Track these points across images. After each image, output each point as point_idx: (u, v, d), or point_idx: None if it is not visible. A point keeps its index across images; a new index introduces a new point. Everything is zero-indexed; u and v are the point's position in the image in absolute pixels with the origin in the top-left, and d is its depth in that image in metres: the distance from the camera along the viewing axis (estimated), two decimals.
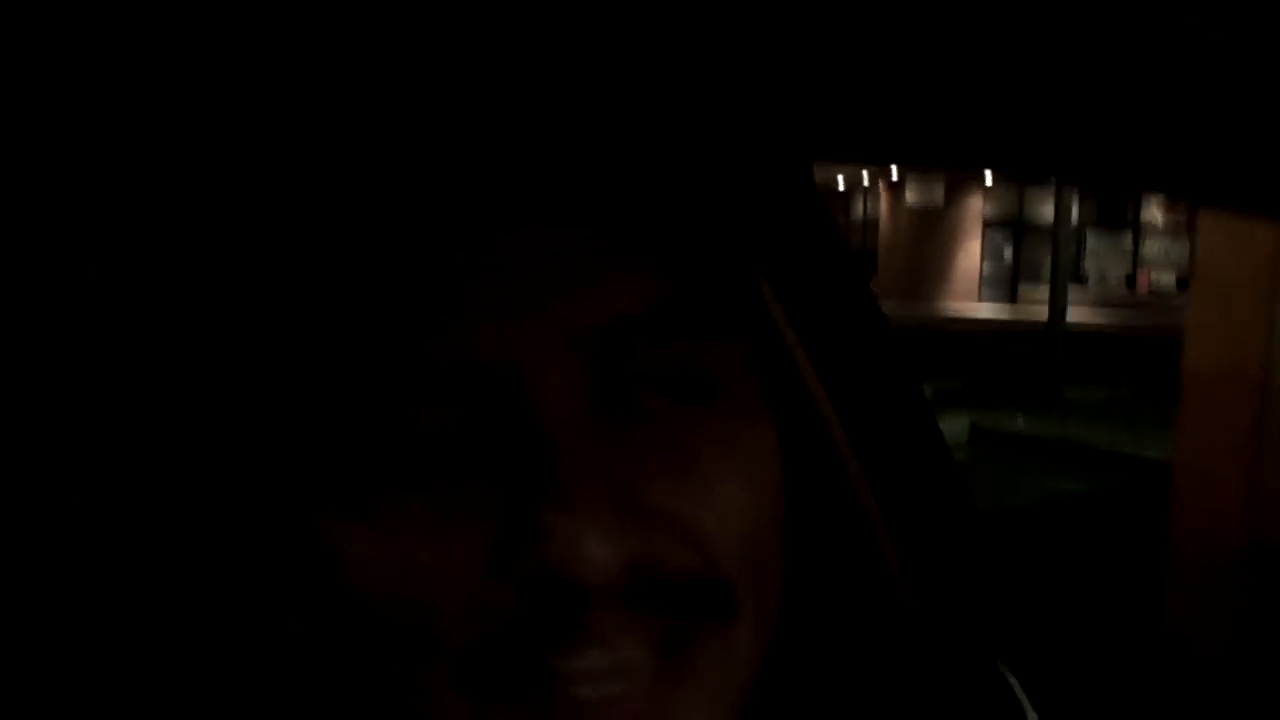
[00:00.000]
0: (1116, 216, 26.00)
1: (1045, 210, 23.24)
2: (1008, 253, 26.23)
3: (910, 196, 25.18)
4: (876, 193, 26.86)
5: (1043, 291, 15.97)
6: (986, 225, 25.92)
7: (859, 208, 28.40)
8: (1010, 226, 25.99)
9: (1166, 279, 24.84)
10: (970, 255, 25.93)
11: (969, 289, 25.78)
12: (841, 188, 27.62)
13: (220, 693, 0.50)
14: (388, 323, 0.38)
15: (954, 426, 8.31)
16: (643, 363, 0.40)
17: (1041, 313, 13.45)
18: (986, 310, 23.36)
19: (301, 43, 0.36)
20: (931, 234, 25.46)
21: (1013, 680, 0.58)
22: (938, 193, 25.03)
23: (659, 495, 0.39)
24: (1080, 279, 24.59)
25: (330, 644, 0.41)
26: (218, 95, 0.39)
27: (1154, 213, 25.29)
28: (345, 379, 0.39)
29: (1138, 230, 25.66)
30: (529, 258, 0.38)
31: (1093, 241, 25.96)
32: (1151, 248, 25.43)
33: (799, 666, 0.52)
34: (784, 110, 0.45)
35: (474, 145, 0.39)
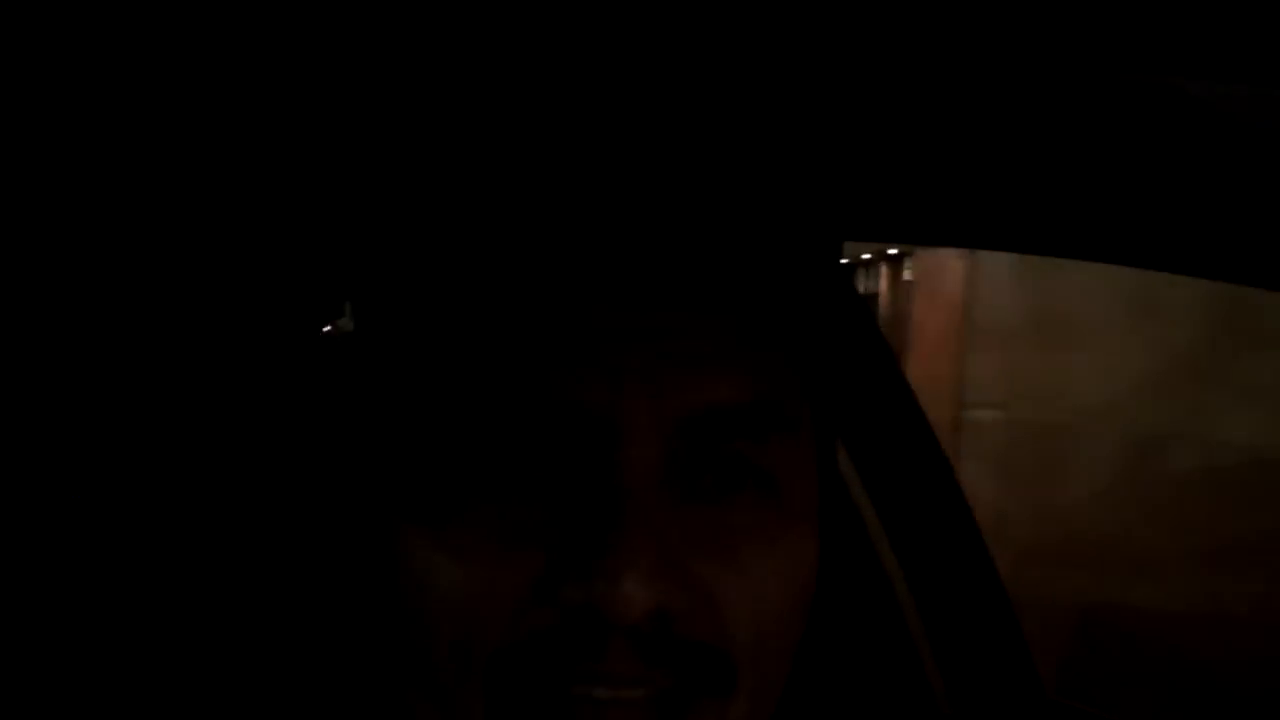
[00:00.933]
0: None
1: None
2: None
3: (908, 273, 25.26)
4: (877, 268, 26.95)
5: None
6: None
7: (860, 283, 28.53)
8: None
9: None
10: None
11: None
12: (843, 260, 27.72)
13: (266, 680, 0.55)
14: (511, 359, 0.43)
15: None
16: (717, 450, 0.44)
17: None
18: None
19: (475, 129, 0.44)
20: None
21: None
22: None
23: (697, 568, 0.43)
24: None
25: (378, 638, 0.46)
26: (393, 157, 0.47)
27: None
28: (457, 400, 0.44)
29: None
30: (651, 332, 0.43)
31: None
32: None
33: None
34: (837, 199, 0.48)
35: (633, 230, 0.44)
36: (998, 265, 3.20)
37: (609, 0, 0.44)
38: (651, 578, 0.40)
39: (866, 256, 4.05)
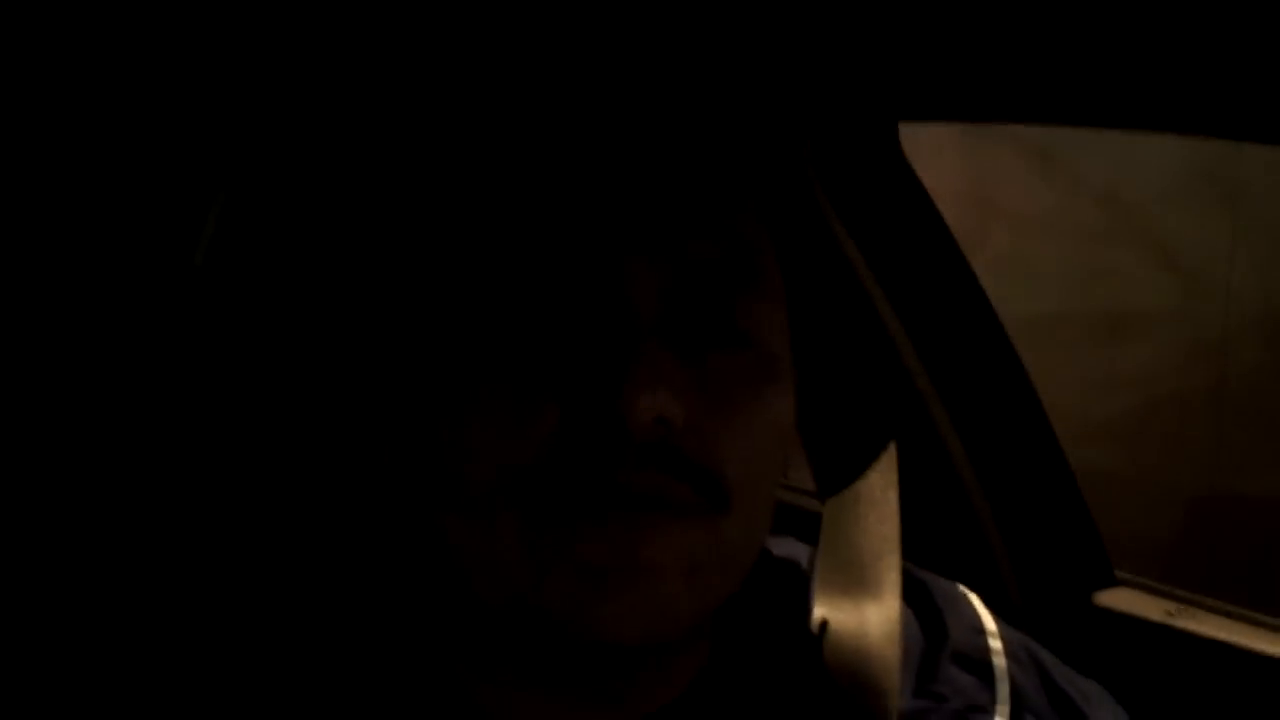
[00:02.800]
0: None
1: None
2: None
3: None
4: None
5: None
6: None
7: None
8: None
9: None
10: None
11: None
12: None
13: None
14: (526, 233, 0.50)
15: None
16: (702, 307, 0.51)
17: None
18: None
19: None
20: None
21: (973, 596, 0.64)
22: None
23: (691, 402, 0.49)
24: None
25: (417, 486, 0.52)
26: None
27: None
28: (485, 275, 0.51)
29: None
30: (645, 201, 0.50)
31: None
32: None
33: None
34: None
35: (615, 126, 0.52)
36: None
37: None
38: (661, 391, 0.47)
39: None
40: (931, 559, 0.82)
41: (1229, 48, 0.54)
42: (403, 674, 0.55)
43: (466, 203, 0.52)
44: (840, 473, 0.68)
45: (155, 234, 0.98)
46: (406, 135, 0.57)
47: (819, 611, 0.60)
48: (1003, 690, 0.59)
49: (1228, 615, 1.01)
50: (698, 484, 0.49)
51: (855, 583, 0.61)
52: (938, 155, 2.51)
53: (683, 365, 0.49)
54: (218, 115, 0.84)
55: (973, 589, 0.67)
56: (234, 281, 0.92)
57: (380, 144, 0.61)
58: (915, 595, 0.62)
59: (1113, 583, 1.09)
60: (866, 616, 0.59)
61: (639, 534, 0.48)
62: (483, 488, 0.49)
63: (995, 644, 0.61)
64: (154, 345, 0.91)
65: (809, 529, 0.67)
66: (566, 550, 0.48)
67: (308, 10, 0.61)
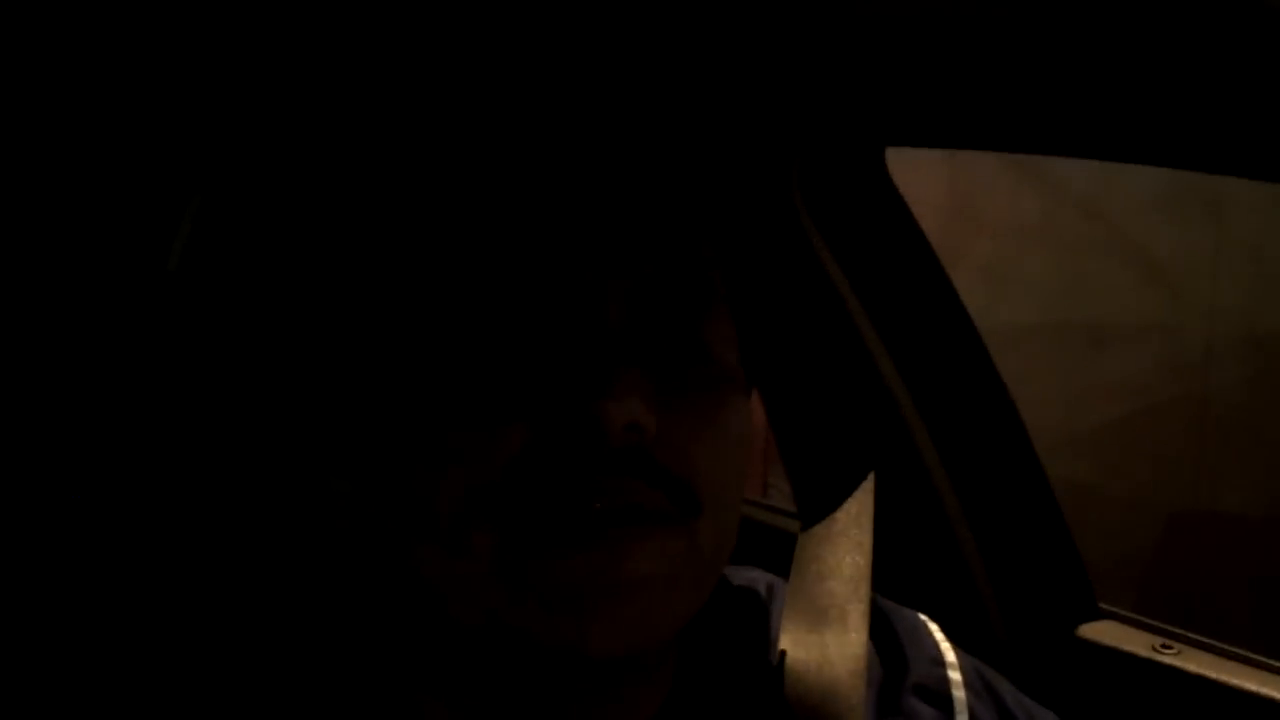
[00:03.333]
0: None
1: None
2: None
3: None
4: None
5: None
6: None
7: None
8: None
9: None
10: None
11: None
12: None
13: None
14: (499, 247, 0.50)
15: None
16: (665, 323, 0.51)
17: None
18: None
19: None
20: None
21: (933, 626, 0.65)
22: None
23: (661, 409, 0.49)
24: None
25: (382, 508, 0.52)
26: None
27: None
28: (457, 286, 0.51)
29: None
30: (615, 221, 0.51)
31: None
32: None
33: None
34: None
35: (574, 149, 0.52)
36: None
37: None
38: (633, 400, 0.47)
39: None
40: (913, 591, 0.80)
41: (1216, 82, 0.53)
42: (364, 702, 0.54)
43: (440, 211, 0.52)
44: (820, 501, 0.67)
45: (128, 238, 0.96)
46: (382, 142, 0.57)
47: (784, 643, 0.60)
48: None
49: (1217, 652, 0.98)
50: (670, 491, 0.49)
51: (822, 615, 0.61)
52: (920, 165, 2.50)
53: (651, 377, 0.49)
54: (194, 114, 0.82)
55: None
56: (208, 288, 0.91)
57: (356, 151, 0.60)
58: (877, 625, 0.62)
59: (1097, 615, 1.07)
60: (831, 650, 0.59)
61: (621, 548, 0.48)
62: (454, 506, 0.48)
63: (955, 675, 0.62)
64: (126, 352, 0.90)
65: (778, 548, 0.66)
66: (546, 570, 0.48)
67: (284, 11, 0.59)
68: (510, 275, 0.50)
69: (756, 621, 0.61)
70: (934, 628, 0.65)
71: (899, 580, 0.87)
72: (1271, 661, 0.96)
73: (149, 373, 0.89)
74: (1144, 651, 1.00)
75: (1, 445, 0.87)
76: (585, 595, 0.47)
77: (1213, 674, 0.95)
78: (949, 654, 0.63)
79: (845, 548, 0.64)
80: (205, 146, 0.91)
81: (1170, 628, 1.03)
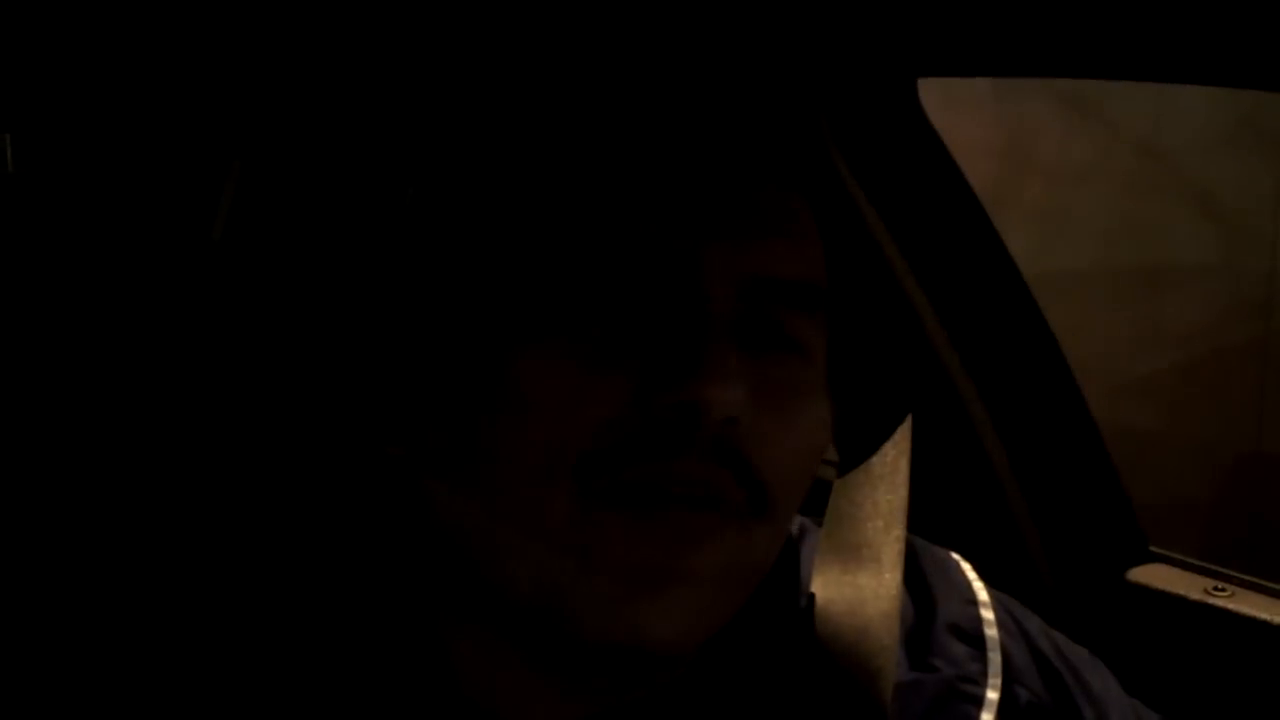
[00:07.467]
0: None
1: None
2: None
3: None
4: None
5: None
6: None
7: None
8: None
9: None
10: None
11: None
12: None
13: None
14: (614, 213, 0.50)
15: None
16: (766, 315, 0.51)
17: None
18: None
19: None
20: None
21: (965, 564, 0.65)
22: None
23: (752, 404, 0.48)
24: None
25: (461, 461, 0.51)
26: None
27: None
28: (566, 246, 0.50)
29: None
30: (734, 203, 0.50)
31: None
32: None
33: None
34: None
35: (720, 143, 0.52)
36: None
37: None
38: (734, 386, 0.47)
39: None
40: (956, 536, 0.79)
41: None
42: (399, 665, 0.54)
43: (533, 187, 0.51)
44: (859, 447, 0.67)
45: (172, 208, 0.97)
46: (432, 116, 0.58)
47: (816, 585, 0.60)
48: (994, 661, 0.59)
49: (1271, 593, 0.96)
50: (748, 487, 0.49)
51: (855, 555, 0.61)
52: (970, 107, 2.45)
53: (748, 367, 0.49)
54: (234, 85, 0.82)
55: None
56: (254, 255, 0.91)
57: (409, 121, 0.62)
58: (908, 565, 0.62)
59: (1148, 558, 1.05)
60: (865, 590, 0.59)
61: (690, 536, 0.48)
62: (536, 457, 0.48)
63: (988, 614, 0.61)
64: (176, 320, 0.91)
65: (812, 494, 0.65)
66: (615, 546, 0.48)
67: None
68: (618, 243, 0.49)
69: (787, 560, 0.61)
70: (965, 566, 0.64)
71: (943, 527, 0.86)
72: None
73: (202, 340, 0.89)
74: (1196, 595, 0.98)
75: (54, 410, 0.89)
76: (642, 579, 0.47)
77: (1266, 616, 0.93)
78: (981, 592, 0.63)
79: (884, 489, 0.63)
80: (245, 115, 0.91)
81: (1223, 570, 1.01)
